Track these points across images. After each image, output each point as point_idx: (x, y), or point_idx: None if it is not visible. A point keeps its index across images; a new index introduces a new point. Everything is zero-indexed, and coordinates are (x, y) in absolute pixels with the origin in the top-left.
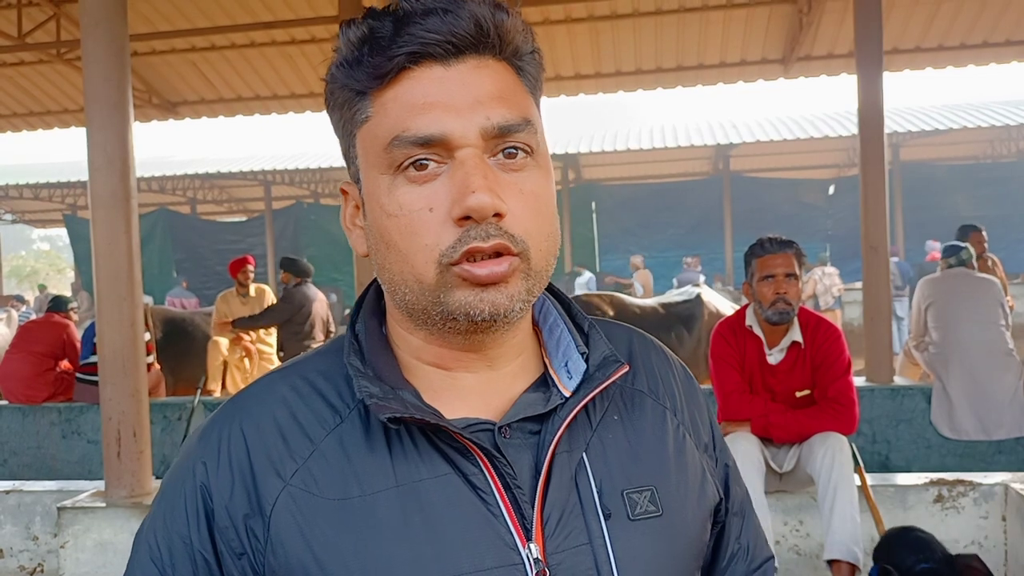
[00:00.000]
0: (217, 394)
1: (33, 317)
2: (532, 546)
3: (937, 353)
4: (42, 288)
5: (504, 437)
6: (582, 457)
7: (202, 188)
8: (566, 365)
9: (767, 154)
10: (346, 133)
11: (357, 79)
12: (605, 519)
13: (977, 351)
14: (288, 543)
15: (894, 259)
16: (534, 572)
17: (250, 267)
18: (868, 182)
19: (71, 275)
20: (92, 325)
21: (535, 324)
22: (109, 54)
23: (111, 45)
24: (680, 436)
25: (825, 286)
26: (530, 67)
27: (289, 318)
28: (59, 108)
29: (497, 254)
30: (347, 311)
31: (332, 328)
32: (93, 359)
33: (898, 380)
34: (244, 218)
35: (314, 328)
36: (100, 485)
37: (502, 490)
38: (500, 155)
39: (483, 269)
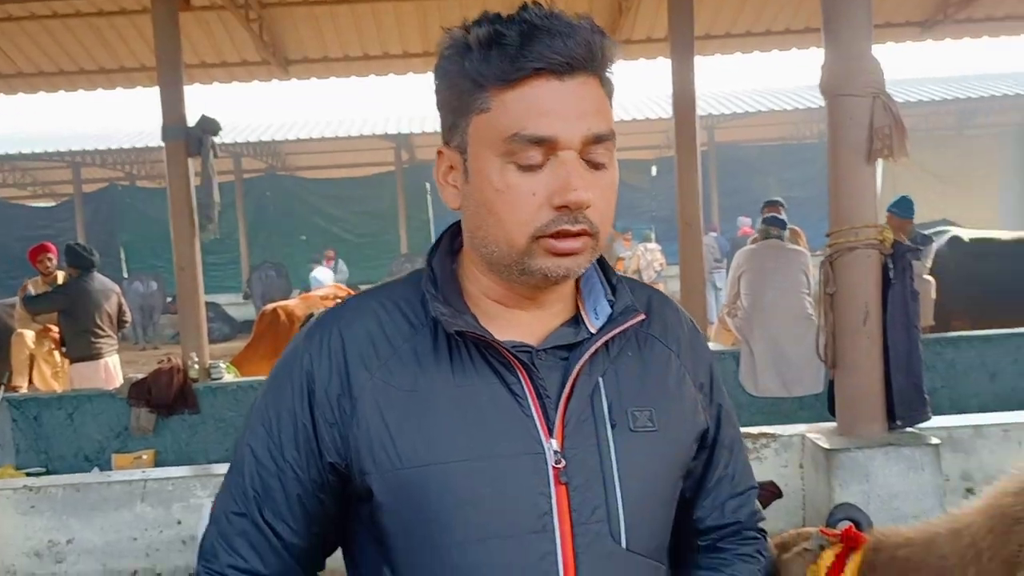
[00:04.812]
0: (24, 390)
1: None
2: (553, 441)
3: (745, 318)
4: None
5: (540, 359)
6: (599, 380)
7: (2, 171)
8: (595, 309)
9: None
10: (455, 110)
11: (482, 74)
12: (611, 427)
13: (780, 316)
14: (369, 419)
15: (713, 234)
16: (552, 460)
17: (49, 255)
18: (682, 162)
19: None
20: None
21: None
22: None
23: None
24: (680, 374)
25: (647, 261)
26: (610, 77)
27: (64, 308)
28: None
29: (577, 235)
30: (169, 300)
31: (127, 319)
32: None
33: (711, 346)
34: (52, 203)
35: (100, 321)
36: None
37: (535, 397)
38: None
39: (565, 245)
